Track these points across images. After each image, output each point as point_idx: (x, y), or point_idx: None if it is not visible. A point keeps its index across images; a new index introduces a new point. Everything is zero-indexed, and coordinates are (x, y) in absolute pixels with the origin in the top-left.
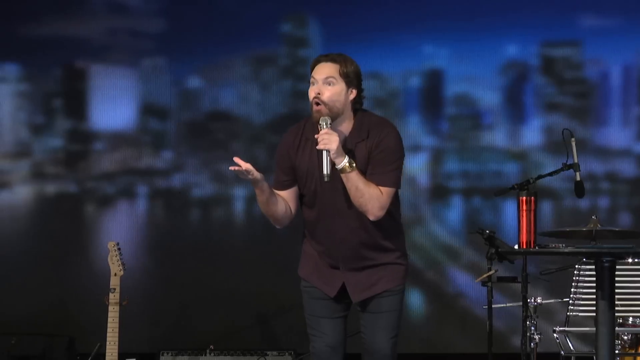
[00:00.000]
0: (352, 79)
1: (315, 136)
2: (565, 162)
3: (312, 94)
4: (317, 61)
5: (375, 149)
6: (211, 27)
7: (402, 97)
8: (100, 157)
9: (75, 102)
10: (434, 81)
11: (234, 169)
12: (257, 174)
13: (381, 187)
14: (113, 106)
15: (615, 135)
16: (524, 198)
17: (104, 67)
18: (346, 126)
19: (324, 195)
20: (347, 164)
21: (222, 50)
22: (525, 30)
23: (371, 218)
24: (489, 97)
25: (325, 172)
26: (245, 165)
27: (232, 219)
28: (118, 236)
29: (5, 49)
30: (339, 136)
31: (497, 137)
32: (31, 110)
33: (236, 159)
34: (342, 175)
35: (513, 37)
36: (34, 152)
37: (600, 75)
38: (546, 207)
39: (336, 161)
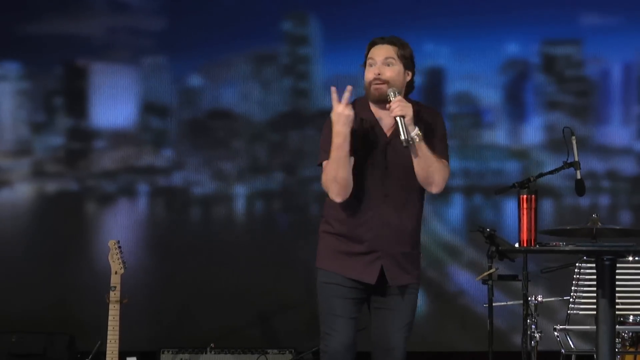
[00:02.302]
0: (409, 61)
1: (388, 105)
2: (565, 160)
3: (370, 74)
4: (373, 43)
5: (431, 128)
6: (212, 25)
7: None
8: (100, 156)
9: (76, 100)
10: (435, 79)
11: (334, 92)
12: (352, 112)
13: (443, 160)
14: (114, 104)
15: (616, 133)
16: (525, 196)
17: (104, 65)
18: None
19: (375, 175)
20: (419, 132)
21: (222, 48)
22: (526, 29)
23: (434, 190)
24: (489, 95)
25: (403, 137)
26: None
27: (233, 217)
28: (119, 234)
29: (5, 47)
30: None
31: (498, 135)
32: (32, 109)
33: (333, 89)
34: (416, 144)
35: (514, 35)
36: (35, 151)
37: (601, 74)
38: (547, 205)
39: (409, 128)
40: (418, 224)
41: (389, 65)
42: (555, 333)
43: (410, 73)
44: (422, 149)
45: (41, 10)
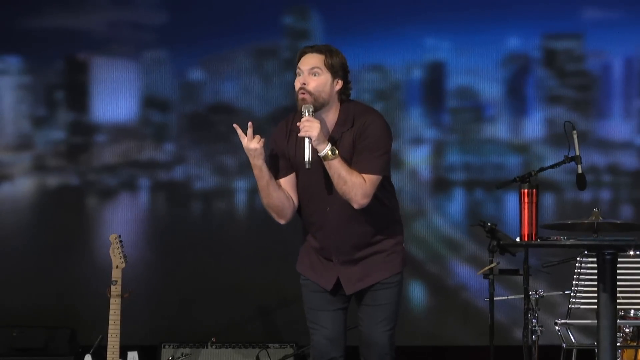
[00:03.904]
0: (338, 69)
1: (297, 124)
2: (567, 154)
3: (297, 84)
4: (303, 52)
5: (359, 137)
6: (213, 19)
7: (403, 89)
8: (101, 150)
9: (77, 94)
10: (436, 73)
11: (238, 129)
12: (259, 145)
13: (364, 175)
14: (115, 98)
15: (617, 127)
16: (526, 190)
17: (105, 60)
18: (332, 116)
19: (313, 187)
20: (329, 152)
21: (223, 42)
22: (527, 23)
23: (355, 206)
24: (490, 89)
25: (306, 158)
26: (250, 132)
27: (234, 211)
28: (120, 229)
29: (6, 41)
30: (325, 126)
31: (499, 129)
32: (33, 103)
33: (236, 126)
34: (325, 163)
35: (515, 30)
36: (36, 145)
37: (602, 68)
38: (548, 199)
39: (318, 148)
40: (380, 223)
41: (315, 75)
42: (557, 327)
43: (340, 81)
44: (334, 167)
45: (42, 4)
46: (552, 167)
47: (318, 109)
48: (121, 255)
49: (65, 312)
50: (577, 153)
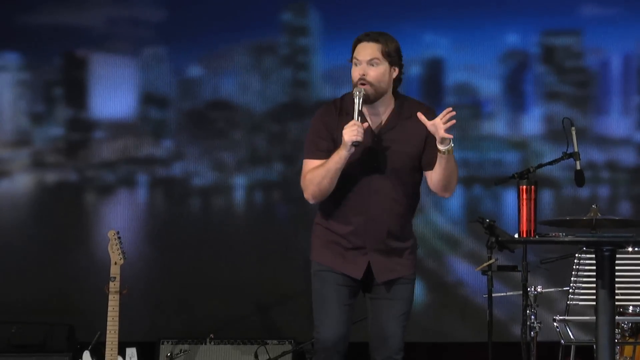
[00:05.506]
0: (394, 57)
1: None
2: (565, 151)
3: (356, 74)
4: (358, 41)
5: (427, 131)
6: (212, 16)
7: (402, 85)
8: (100, 146)
9: (76, 90)
10: (434, 70)
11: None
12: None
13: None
14: (113, 95)
15: (616, 124)
16: (524, 187)
17: (104, 56)
18: (388, 104)
19: (362, 170)
20: (452, 146)
21: (222, 39)
22: (526, 19)
23: (447, 195)
24: (489, 86)
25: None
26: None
27: (232, 207)
28: (118, 225)
29: (5, 37)
30: (383, 114)
31: (497, 126)
32: (31, 99)
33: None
34: (446, 157)
35: (513, 26)
36: (34, 141)
37: (601, 64)
38: (546, 196)
39: (444, 143)
40: (410, 217)
41: (373, 65)
42: (555, 324)
43: (396, 69)
44: (452, 160)
45: (41, 1)
46: (550, 163)
47: (378, 98)
48: (120, 251)
49: (63, 309)
50: (576, 149)
